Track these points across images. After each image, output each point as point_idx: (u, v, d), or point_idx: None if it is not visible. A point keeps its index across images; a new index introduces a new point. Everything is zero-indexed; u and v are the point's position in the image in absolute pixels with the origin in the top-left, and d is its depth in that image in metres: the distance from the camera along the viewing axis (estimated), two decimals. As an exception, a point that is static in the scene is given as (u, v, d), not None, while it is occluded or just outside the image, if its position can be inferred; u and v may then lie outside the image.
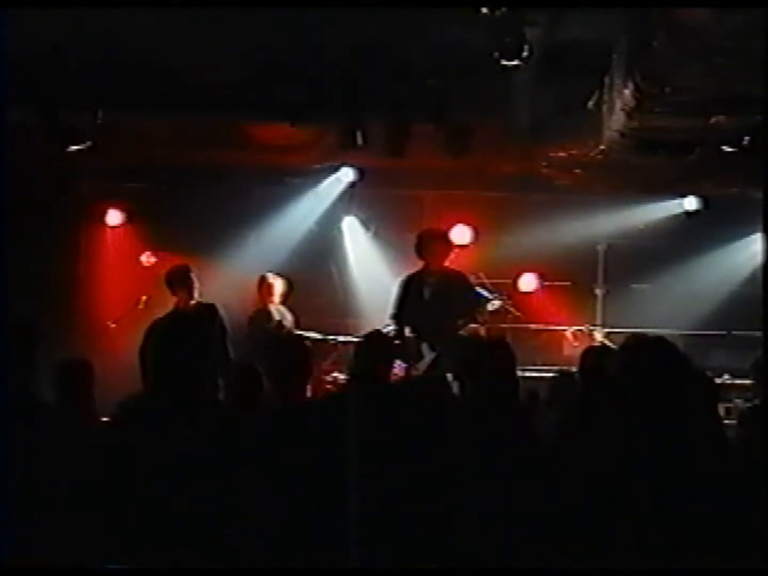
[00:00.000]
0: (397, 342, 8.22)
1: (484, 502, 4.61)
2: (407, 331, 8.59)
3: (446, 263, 9.04)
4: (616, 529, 4.20)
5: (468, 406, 5.11)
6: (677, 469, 4.26)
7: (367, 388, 5.22)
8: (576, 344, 10.16)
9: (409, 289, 8.90)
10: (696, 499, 4.22)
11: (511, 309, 10.08)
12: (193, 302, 8.84)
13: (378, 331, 6.35)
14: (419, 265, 9.09)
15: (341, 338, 10.02)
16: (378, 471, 4.58)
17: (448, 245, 9.18)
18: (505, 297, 9.41)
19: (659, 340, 4.57)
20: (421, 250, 8.96)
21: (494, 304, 9.03)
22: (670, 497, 4.22)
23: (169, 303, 8.88)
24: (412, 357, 8.44)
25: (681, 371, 4.45)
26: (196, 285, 8.97)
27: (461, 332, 8.53)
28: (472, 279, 9.58)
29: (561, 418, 5.73)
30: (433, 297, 8.80)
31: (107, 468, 4.42)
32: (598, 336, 10.32)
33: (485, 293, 9.27)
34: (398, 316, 8.78)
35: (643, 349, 4.57)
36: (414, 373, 8.35)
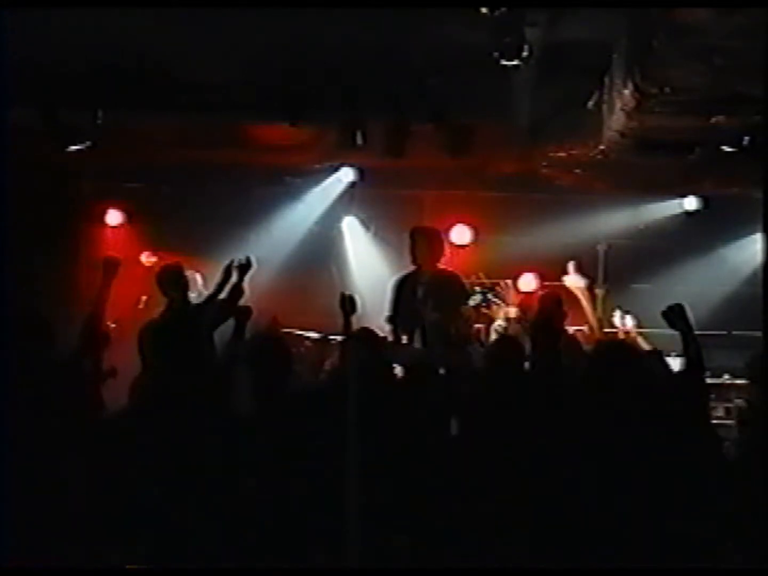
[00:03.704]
0: (394, 345, 8.22)
1: (486, 500, 4.61)
2: (402, 336, 8.55)
3: (443, 262, 8.98)
4: (618, 528, 4.21)
5: (470, 404, 5.13)
6: (673, 468, 4.27)
7: (367, 387, 5.20)
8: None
9: (403, 289, 8.84)
10: (694, 498, 4.22)
11: (499, 303, 9.95)
12: (185, 303, 8.61)
13: (365, 328, 6.30)
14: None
15: (341, 338, 9.97)
16: (379, 469, 4.59)
17: (442, 244, 9.07)
18: (487, 289, 9.33)
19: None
20: (414, 249, 8.89)
21: (475, 299, 8.99)
22: (669, 497, 4.22)
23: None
24: (407, 360, 8.36)
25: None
26: (190, 286, 8.83)
27: (453, 330, 8.51)
28: (473, 279, 9.55)
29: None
30: (425, 296, 8.75)
31: (105, 463, 4.44)
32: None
33: (478, 292, 9.22)
34: (394, 319, 8.73)
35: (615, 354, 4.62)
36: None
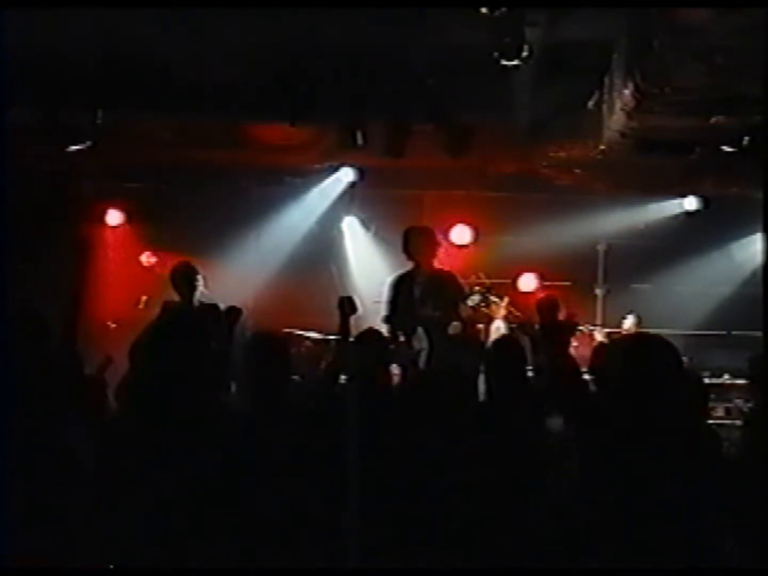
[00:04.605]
0: (391, 345, 8.20)
1: (492, 500, 4.61)
2: (400, 335, 8.54)
3: (438, 262, 8.95)
4: (622, 529, 4.21)
5: (476, 404, 5.13)
6: (672, 467, 4.27)
7: (367, 389, 5.21)
8: (576, 344, 10.12)
9: (399, 289, 8.82)
10: (691, 500, 4.22)
11: (499, 302, 9.94)
12: (194, 302, 8.67)
13: (371, 328, 6.31)
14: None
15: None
16: (380, 471, 4.59)
17: (435, 243, 8.97)
18: (485, 290, 9.31)
19: (658, 339, 4.57)
20: (408, 249, 8.87)
21: (473, 299, 8.97)
22: (667, 498, 4.22)
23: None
24: (405, 360, 8.35)
25: (678, 371, 4.46)
26: (199, 285, 8.87)
27: (452, 331, 8.50)
28: (473, 279, 9.55)
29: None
30: (424, 295, 8.73)
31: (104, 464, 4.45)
32: (599, 336, 10.29)
33: (477, 292, 9.20)
34: (390, 319, 8.72)
35: (644, 349, 4.57)
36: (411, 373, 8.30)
